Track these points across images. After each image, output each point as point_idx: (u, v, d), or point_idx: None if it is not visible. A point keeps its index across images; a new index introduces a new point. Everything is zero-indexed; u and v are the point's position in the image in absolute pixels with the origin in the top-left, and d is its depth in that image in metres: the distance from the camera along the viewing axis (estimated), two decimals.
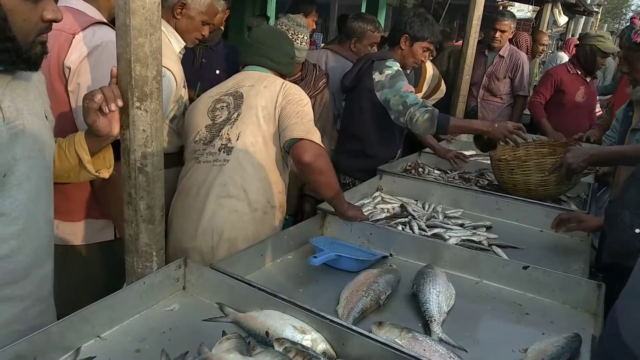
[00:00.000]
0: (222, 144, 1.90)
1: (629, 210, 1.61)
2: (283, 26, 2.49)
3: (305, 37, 2.54)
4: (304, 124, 1.83)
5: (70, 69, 1.57)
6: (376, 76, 2.62)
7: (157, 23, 1.22)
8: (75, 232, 1.72)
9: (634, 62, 2.29)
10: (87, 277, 1.76)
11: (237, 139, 1.88)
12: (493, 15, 4.42)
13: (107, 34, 1.57)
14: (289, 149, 1.84)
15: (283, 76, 2.09)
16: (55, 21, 1.12)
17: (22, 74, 1.16)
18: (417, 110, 2.46)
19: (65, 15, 1.63)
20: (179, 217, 1.95)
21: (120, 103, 1.25)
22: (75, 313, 1.18)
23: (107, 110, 1.24)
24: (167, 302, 1.42)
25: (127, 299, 1.32)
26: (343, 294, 1.51)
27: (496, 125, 2.50)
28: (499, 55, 4.38)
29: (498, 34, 4.31)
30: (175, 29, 2.06)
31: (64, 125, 1.62)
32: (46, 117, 1.25)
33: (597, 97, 4.57)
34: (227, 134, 1.90)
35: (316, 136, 1.83)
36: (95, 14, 1.65)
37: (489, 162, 3.11)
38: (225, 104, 1.95)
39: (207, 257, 1.85)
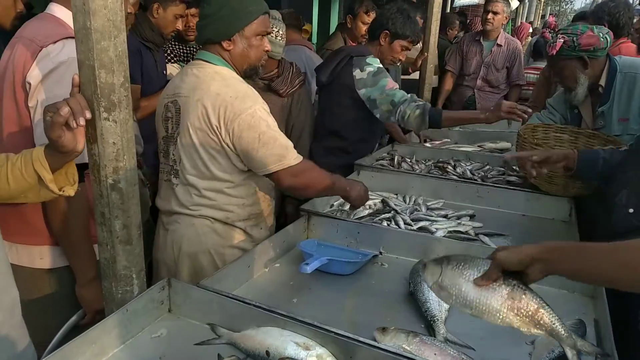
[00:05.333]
0: (170, 166, 1.78)
1: (627, 189, 1.60)
2: None
3: (281, 32, 2.42)
4: (272, 149, 1.63)
5: (30, 84, 1.45)
6: (357, 73, 2.53)
7: (121, 24, 1.09)
8: (36, 256, 1.60)
9: (561, 72, 2.32)
10: (54, 300, 1.65)
11: (180, 162, 1.73)
12: None
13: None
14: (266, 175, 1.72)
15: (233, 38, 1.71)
16: None
17: None
18: (407, 107, 2.41)
19: (42, 25, 1.55)
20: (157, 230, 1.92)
21: (88, 115, 1.11)
22: (55, 352, 1.06)
23: (75, 125, 1.11)
24: (154, 328, 1.30)
25: (110, 329, 1.20)
26: None
27: (492, 109, 2.41)
28: (497, 44, 4.18)
29: (490, 16, 4.07)
30: None
31: (23, 140, 1.49)
32: None
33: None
34: (173, 153, 1.75)
35: (289, 155, 1.67)
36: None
37: (462, 149, 3.13)
38: (170, 115, 1.75)
39: (172, 269, 1.84)
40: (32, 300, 1.59)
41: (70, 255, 1.58)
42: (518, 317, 1.03)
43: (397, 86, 2.51)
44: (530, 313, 1.03)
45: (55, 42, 1.47)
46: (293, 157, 1.68)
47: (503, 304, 1.04)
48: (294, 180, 1.69)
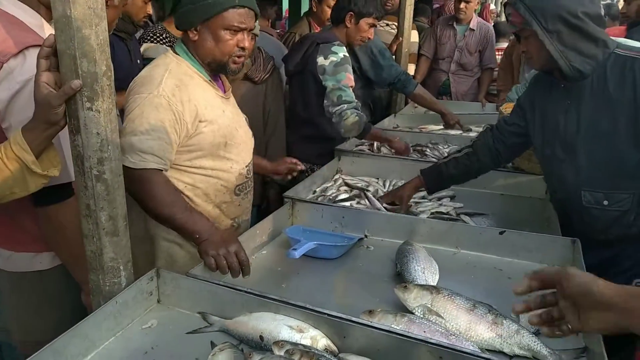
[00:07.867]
0: None
1: (585, 190, 1.68)
2: None
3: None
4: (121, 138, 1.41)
5: None
6: (320, 60, 2.53)
7: (102, 12, 1.07)
8: (32, 261, 1.54)
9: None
10: (46, 300, 1.60)
11: None
12: None
13: None
14: None
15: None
16: None
17: None
18: (349, 110, 2.45)
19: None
20: None
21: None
22: (45, 347, 1.05)
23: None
24: (144, 319, 1.30)
25: (100, 322, 1.19)
26: None
27: (397, 139, 2.73)
28: (470, 28, 4.26)
29: (463, 5, 4.17)
30: None
31: None
32: None
33: None
34: None
35: (129, 155, 1.46)
36: (33, 18, 1.39)
37: (438, 133, 3.17)
38: None
39: None
40: (25, 301, 1.55)
41: (73, 266, 1.51)
42: (501, 339, 1.23)
43: (353, 84, 2.52)
44: (512, 335, 1.22)
45: (16, 54, 1.32)
46: (131, 159, 1.46)
47: (488, 328, 1.24)
48: (132, 187, 1.44)
